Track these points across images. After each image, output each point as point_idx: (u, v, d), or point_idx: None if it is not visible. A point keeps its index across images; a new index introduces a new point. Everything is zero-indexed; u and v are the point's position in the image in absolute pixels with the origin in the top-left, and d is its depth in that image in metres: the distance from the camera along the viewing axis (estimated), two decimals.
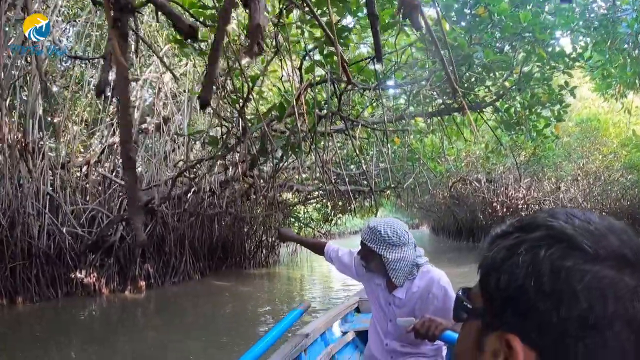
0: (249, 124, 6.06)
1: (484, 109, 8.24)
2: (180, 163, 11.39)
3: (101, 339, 7.78)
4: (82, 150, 12.96)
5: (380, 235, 2.38)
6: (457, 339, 0.75)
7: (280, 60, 5.77)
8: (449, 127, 9.17)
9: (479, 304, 0.67)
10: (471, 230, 25.25)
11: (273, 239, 19.79)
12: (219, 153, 7.19)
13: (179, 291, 12.44)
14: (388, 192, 16.94)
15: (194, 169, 10.37)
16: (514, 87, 7.40)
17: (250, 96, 5.41)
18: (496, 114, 8.51)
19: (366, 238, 2.43)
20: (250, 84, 5.27)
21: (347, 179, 9.90)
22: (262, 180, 10.78)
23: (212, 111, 9.07)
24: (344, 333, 4.05)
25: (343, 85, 5.80)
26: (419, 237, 42.19)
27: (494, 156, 13.64)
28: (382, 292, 2.59)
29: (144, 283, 12.26)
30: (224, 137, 6.71)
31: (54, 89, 11.46)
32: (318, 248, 3.12)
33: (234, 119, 6.33)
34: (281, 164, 8.85)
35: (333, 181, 9.65)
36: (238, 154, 8.41)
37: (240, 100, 5.35)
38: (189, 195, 13.29)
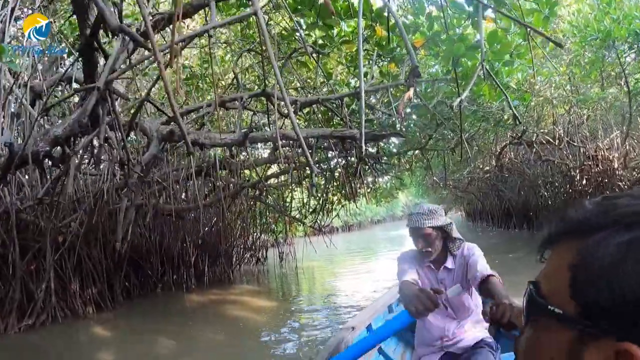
0: None
1: None
2: None
3: None
4: None
5: (435, 212, 2.73)
6: (525, 344, 0.67)
7: None
8: None
9: (570, 310, 0.59)
10: (526, 213, 18.68)
11: (253, 238, 13.89)
12: None
13: (24, 346, 6.72)
14: (413, 156, 10.79)
15: None
16: None
17: None
18: None
19: (427, 222, 2.69)
20: None
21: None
22: None
23: None
24: None
25: None
26: None
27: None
28: (432, 274, 2.83)
29: None
30: None
31: None
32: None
33: None
34: None
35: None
36: None
37: None
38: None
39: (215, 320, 8.26)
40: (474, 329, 2.79)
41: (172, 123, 5.48)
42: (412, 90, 2.34)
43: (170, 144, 9.75)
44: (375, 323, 3.84)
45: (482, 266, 2.58)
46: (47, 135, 6.08)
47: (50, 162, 5.93)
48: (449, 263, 2.76)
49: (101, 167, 8.61)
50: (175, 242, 10.48)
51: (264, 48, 6.06)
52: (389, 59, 6.73)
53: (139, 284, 10.18)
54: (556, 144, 12.14)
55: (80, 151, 6.05)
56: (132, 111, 6.50)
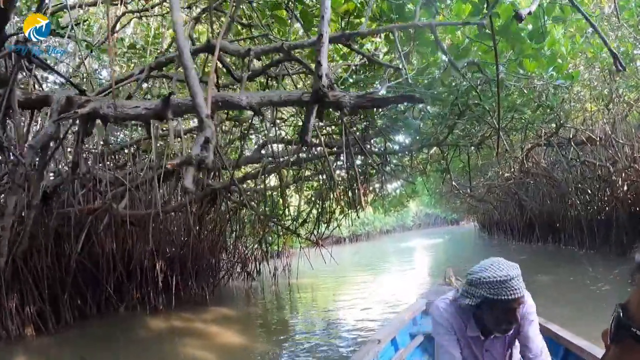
0: None
1: None
2: None
3: None
4: None
5: None
6: None
7: None
8: None
9: None
10: (552, 224, 16.67)
11: (241, 250, 12.17)
12: None
13: None
14: (428, 155, 9.03)
15: None
16: None
17: None
18: None
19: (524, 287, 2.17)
20: None
21: None
22: None
23: None
24: (413, 336, 3.99)
25: None
26: (464, 236, 33.89)
27: None
28: (477, 344, 2.33)
29: None
30: None
31: None
32: None
33: None
34: None
35: None
36: None
37: None
38: None
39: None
40: None
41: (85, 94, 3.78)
42: None
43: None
44: (400, 336, 3.83)
45: (534, 333, 2.30)
46: None
47: None
48: None
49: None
50: (143, 255, 8.77)
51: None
52: (397, 15, 5.00)
53: (96, 302, 8.52)
54: (599, 142, 10.26)
55: None
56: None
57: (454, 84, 5.95)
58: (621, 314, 0.71)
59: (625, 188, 11.27)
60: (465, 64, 4.30)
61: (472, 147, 7.74)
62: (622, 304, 0.73)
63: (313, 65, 3.84)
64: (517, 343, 2.42)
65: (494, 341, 2.33)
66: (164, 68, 4.32)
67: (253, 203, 9.51)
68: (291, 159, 7.45)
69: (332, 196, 10.67)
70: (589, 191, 13.23)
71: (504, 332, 2.21)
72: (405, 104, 7.23)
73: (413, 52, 5.43)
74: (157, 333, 7.71)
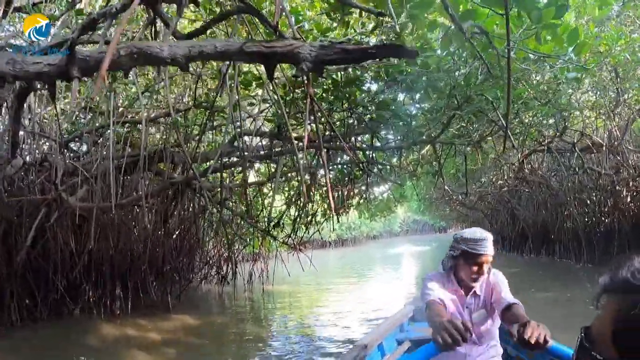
0: None
1: None
2: None
3: None
4: None
5: None
6: None
7: None
8: None
9: (612, 356, 0.71)
10: (546, 235, 15.89)
11: (214, 252, 11.33)
12: None
13: None
14: (419, 155, 8.24)
15: None
16: None
17: None
18: None
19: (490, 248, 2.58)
20: None
21: None
22: None
23: None
24: (400, 342, 3.98)
25: None
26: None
27: None
28: (460, 299, 2.67)
29: None
30: None
31: None
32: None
33: None
34: None
35: None
36: None
37: None
38: None
39: None
40: (492, 353, 2.73)
41: None
42: None
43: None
44: (387, 342, 3.83)
45: (507, 294, 2.60)
46: None
47: None
48: (477, 288, 2.66)
49: None
50: (100, 253, 7.90)
51: None
52: None
53: (47, 304, 7.67)
54: (605, 148, 9.50)
55: None
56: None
57: (453, 68, 5.15)
58: (583, 338, 0.77)
59: (629, 199, 10.54)
60: (472, 33, 3.46)
61: (469, 148, 6.95)
62: (586, 327, 0.79)
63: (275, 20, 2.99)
64: (496, 318, 2.66)
65: (472, 298, 2.65)
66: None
67: (227, 201, 8.61)
68: (254, 153, 6.65)
69: (310, 197, 9.80)
70: (588, 201, 12.49)
71: (473, 282, 2.58)
72: (400, 96, 6.45)
73: (407, 29, 4.62)
74: (110, 342, 6.82)
